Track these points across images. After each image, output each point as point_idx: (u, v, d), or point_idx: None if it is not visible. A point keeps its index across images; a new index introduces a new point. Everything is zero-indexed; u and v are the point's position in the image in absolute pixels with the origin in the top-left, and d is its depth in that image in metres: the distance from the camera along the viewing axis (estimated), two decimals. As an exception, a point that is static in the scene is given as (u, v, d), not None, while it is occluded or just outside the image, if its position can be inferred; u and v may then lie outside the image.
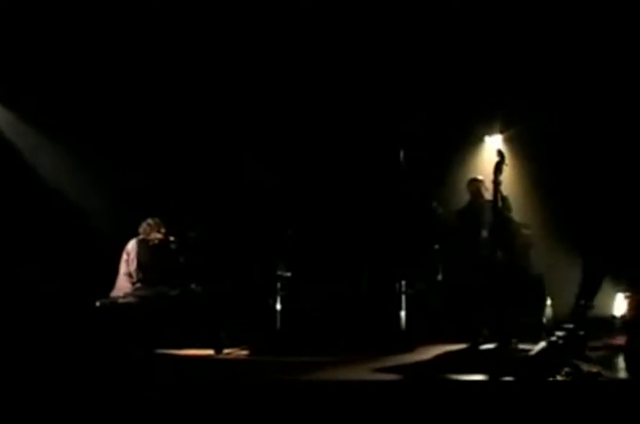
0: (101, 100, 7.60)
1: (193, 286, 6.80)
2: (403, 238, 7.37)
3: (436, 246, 7.35)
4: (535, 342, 6.76)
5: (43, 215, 7.49)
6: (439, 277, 7.24)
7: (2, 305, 6.75)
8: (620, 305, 8.21)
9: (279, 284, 6.86)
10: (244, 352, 6.52)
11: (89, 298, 6.78)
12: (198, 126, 7.84)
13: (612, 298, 7.91)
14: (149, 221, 7.07)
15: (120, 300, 6.76)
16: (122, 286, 6.87)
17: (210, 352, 6.46)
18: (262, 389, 4.75)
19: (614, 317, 8.07)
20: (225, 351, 6.48)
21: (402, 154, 7.65)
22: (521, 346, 6.64)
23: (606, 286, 7.99)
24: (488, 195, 7.06)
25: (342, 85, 7.95)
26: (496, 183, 6.70)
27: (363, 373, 5.32)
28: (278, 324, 6.85)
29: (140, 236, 7.06)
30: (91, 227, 7.54)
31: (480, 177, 7.33)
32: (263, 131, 7.85)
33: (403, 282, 7.17)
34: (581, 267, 6.79)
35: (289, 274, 6.80)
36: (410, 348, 6.66)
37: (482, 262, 6.81)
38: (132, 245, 6.96)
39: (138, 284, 6.84)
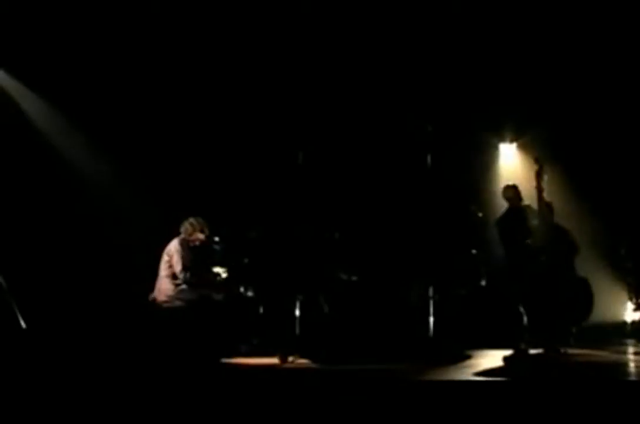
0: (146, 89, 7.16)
1: (242, 289, 6.41)
2: (438, 243, 7.30)
3: (474, 251, 7.30)
4: (568, 346, 6.88)
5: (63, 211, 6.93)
6: (483, 282, 7.19)
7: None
8: (630, 311, 8.54)
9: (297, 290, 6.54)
10: (303, 360, 6.16)
11: (128, 302, 6.27)
12: (244, 126, 7.55)
13: (623, 305, 8.21)
14: (192, 220, 6.60)
15: (165, 305, 6.27)
16: (165, 288, 6.37)
17: (272, 361, 6.06)
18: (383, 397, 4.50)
19: (625, 323, 8.37)
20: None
21: (429, 158, 7.63)
22: (570, 351, 6.75)
23: (617, 293, 8.30)
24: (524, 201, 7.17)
25: (370, 93, 7.93)
26: (539, 190, 6.76)
27: (465, 375, 5.16)
28: (297, 329, 6.53)
29: (182, 236, 6.58)
30: (125, 227, 7.01)
31: (510, 183, 7.39)
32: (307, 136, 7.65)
33: (430, 288, 7.10)
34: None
35: (354, 278, 6.51)
36: (462, 353, 6.58)
37: (530, 269, 6.84)
38: (175, 245, 6.47)
39: (182, 286, 6.36)
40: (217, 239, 6.56)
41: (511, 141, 8.81)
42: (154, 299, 6.38)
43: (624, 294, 8.20)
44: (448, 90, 8.27)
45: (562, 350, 6.67)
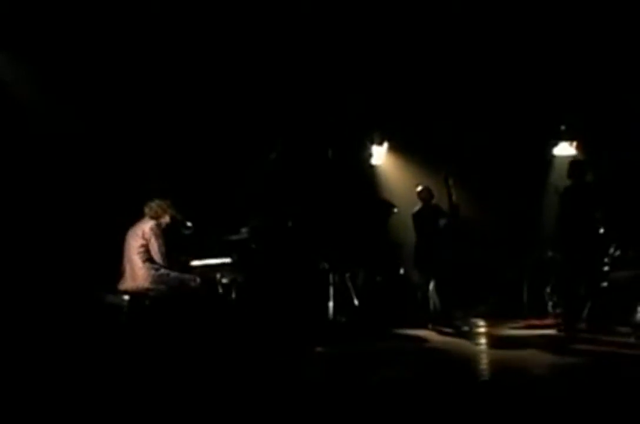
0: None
1: (218, 275, 6.30)
2: (358, 233, 7.92)
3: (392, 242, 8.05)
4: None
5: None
6: (402, 271, 7.94)
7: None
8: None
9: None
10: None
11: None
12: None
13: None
14: (159, 202, 6.19)
15: (151, 293, 5.86)
16: (144, 274, 5.89)
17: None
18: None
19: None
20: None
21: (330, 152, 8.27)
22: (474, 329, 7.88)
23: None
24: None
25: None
26: (450, 194, 7.89)
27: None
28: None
29: (151, 219, 6.17)
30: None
31: (419, 187, 8.29)
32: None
33: (331, 275, 7.71)
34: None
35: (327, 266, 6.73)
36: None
37: (437, 258, 7.87)
38: (152, 228, 5.96)
39: (161, 271, 5.97)
40: (189, 224, 6.30)
41: (380, 143, 9.68)
42: (131, 289, 5.92)
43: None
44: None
45: (464, 328, 7.81)
